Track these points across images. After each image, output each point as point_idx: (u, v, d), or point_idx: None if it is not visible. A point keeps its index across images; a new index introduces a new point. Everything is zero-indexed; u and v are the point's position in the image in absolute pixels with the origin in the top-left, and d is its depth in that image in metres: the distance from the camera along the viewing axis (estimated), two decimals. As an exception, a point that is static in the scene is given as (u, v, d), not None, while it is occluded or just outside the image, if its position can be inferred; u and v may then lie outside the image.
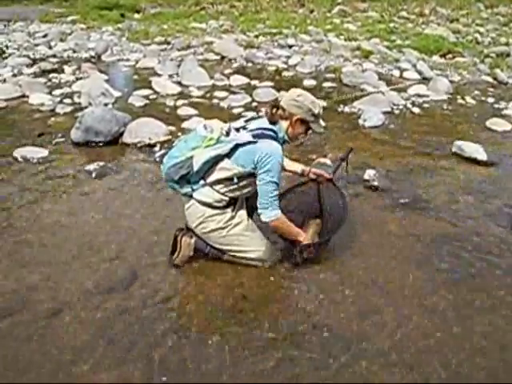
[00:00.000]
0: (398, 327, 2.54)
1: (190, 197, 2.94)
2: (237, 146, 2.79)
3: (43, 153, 4.87)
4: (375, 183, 4.18)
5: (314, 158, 4.72)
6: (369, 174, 4.25)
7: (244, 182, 2.88)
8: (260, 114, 3.18)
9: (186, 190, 2.93)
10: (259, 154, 2.72)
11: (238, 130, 2.90)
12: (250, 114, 3.08)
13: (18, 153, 4.81)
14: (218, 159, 2.82)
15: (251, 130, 2.85)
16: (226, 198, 2.91)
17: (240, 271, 3.00)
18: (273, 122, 2.92)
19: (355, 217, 3.70)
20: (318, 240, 3.14)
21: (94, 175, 4.37)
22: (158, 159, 4.74)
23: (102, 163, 4.56)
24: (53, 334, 2.47)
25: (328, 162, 4.62)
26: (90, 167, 4.47)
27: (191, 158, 2.81)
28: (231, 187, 2.88)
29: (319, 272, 3.02)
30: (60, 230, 3.49)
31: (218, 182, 2.87)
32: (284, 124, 2.93)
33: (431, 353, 2.37)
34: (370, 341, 2.44)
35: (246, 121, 3.02)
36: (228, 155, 2.81)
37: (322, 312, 2.66)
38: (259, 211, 2.84)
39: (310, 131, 3.00)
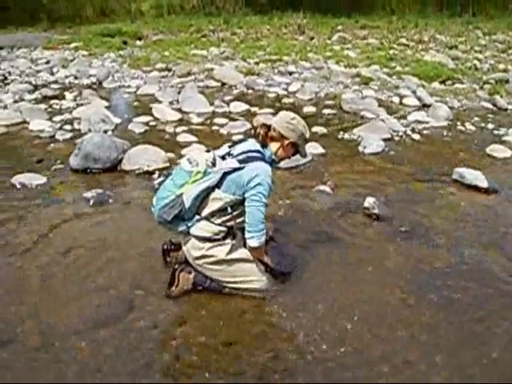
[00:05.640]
0: (389, 361, 2.48)
1: (187, 233, 2.90)
2: (225, 175, 2.76)
3: (41, 179, 4.85)
4: (375, 211, 4.12)
5: (313, 185, 4.70)
6: (369, 201, 4.20)
7: (238, 211, 2.84)
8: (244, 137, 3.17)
9: (182, 227, 2.88)
10: (247, 176, 2.70)
11: (223, 157, 2.87)
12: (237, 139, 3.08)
13: (16, 179, 4.79)
14: (208, 191, 2.79)
15: (236, 156, 2.83)
16: (225, 229, 2.87)
17: (237, 303, 2.94)
18: (264, 144, 2.91)
19: (355, 245, 3.65)
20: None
21: (91, 202, 4.33)
22: (156, 186, 4.70)
23: (100, 190, 4.52)
24: (44, 368, 2.40)
25: (327, 189, 4.60)
26: (88, 194, 4.44)
27: (181, 195, 2.77)
28: (226, 217, 2.85)
29: (316, 303, 2.97)
30: (55, 258, 3.44)
31: (213, 214, 2.83)
32: (274, 146, 2.92)
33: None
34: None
35: (230, 146, 3.00)
36: (218, 185, 2.78)
37: (317, 345, 2.60)
38: (249, 235, 2.78)
39: (297, 154, 3.02)
